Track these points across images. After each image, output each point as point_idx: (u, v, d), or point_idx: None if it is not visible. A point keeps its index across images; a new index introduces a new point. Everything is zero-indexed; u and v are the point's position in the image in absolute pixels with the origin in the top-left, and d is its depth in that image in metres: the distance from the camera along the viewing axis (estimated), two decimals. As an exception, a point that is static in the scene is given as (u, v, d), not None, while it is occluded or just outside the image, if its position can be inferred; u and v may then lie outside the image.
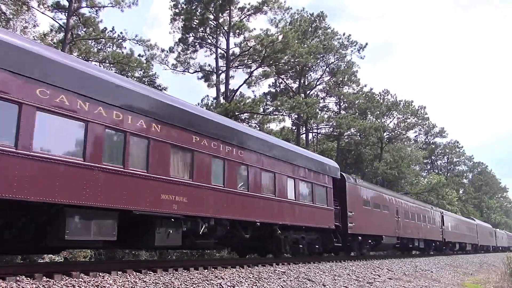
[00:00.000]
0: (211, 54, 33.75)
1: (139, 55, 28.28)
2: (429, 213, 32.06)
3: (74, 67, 8.10)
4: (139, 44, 27.01)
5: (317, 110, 39.45)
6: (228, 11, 31.52)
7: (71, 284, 6.92)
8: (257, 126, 37.16)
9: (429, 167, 77.21)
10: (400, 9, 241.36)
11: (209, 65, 33.91)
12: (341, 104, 45.90)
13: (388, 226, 23.14)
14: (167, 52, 31.98)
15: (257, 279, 10.05)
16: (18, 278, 6.70)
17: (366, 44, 42.61)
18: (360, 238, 19.81)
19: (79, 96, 7.93)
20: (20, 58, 7.09)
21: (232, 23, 31.42)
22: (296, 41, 31.31)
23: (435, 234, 32.60)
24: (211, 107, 32.94)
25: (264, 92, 40.00)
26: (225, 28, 31.73)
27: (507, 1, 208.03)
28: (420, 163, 59.14)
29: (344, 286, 11.44)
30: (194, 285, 8.41)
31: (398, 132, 52.87)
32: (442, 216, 35.35)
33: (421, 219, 29.49)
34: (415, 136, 66.73)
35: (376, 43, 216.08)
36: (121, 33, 26.81)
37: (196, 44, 33.14)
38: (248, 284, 9.37)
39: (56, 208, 7.55)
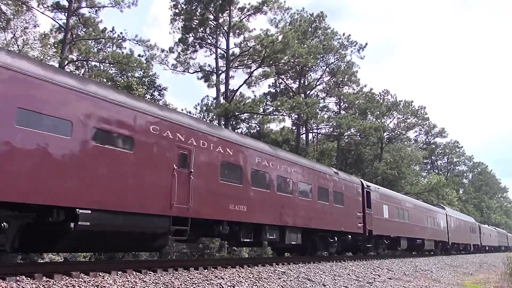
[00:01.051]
0: (211, 54, 33.74)
1: (139, 55, 28.30)
2: (311, 176, 16.58)
3: None
4: (139, 44, 27.04)
5: (317, 110, 39.43)
6: (228, 11, 31.49)
7: (71, 284, 6.93)
8: (257, 126, 37.20)
9: (429, 167, 77.23)
10: (401, 9, 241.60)
11: (209, 65, 33.91)
12: (341, 104, 45.89)
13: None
14: (167, 52, 31.97)
15: (257, 279, 10.05)
16: (18, 278, 6.71)
17: (366, 44, 42.69)
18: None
19: None
20: None
21: (232, 23, 31.40)
22: (296, 41, 31.26)
23: (333, 221, 17.53)
24: (211, 107, 32.94)
25: (264, 92, 40.00)
26: (225, 28, 31.71)
27: (507, 1, 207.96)
28: (420, 163, 59.12)
29: (344, 286, 11.44)
30: (194, 285, 8.42)
31: (398, 132, 52.87)
32: (368, 192, 21.42)
33: (283, 186, 14.83)
34: (415, 136, 66.85)
35: (377, 43, 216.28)
36: (121, 33, 26.89)
37: (196, 44, 33.12)
38: (248, 284, 9.37)
39: None
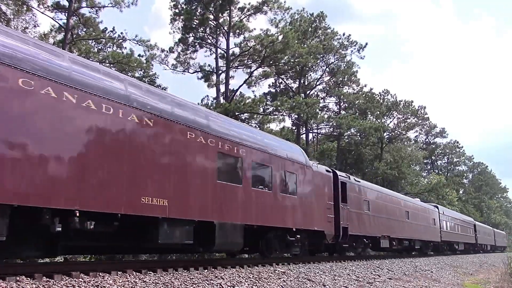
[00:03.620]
0: (211, 54, 33.80)
1: (139, 55, 28.33)
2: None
3: None
4: (139, 44, 27.10)
5: (317, 110, 39.44)
6: (228, 11, 31.52)
7: (71, 284, 6.92)
8: (257, 126, 37.19)
9: (429, 167, 77.23)
10: (401, 9, 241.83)
11: (209, 65, 33.96)
12: (341, 104, 45.96)
13: None
14: (167, 52, 32.03)
15: (257, 279, 10.04)
16: (18, 278, 6.70)
17: (366, 44, 42.68)
18: None
19: None
20: None
21: (232, 23, 31.42)
22: (296, 41, 31.29)
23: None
24: (211, 107, 32.94)
25: (264, 92, 40.08)
26: (225, 28, 31.73)
27: (506, 3, 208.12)
28: (420, 163, 59.18)
29: (344, 286, 11.43)
30: (194, 285, 8.40)
31: (398, 132, 52.91)
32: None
33: None
34: (415, 136, 66.87)
35: (377, 43, 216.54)
36: (121, 33, 26.93)
37: (196, 44, 33.14)
38: (248, 284, 9.36)
39: None
